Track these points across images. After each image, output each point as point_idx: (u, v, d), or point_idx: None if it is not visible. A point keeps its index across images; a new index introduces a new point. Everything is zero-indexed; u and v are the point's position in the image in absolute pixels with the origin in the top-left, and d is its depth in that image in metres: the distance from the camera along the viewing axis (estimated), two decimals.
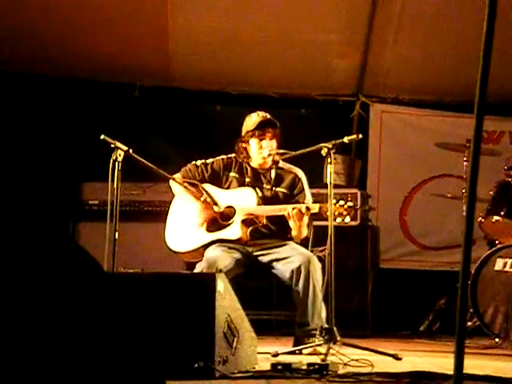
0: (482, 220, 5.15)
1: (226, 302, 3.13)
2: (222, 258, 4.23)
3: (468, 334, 5.07)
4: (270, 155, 4.44)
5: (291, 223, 4.25)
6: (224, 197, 4.45)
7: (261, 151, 4.45)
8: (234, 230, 4.36)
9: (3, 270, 1.75)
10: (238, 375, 3.03)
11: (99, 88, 6.51)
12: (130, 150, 4.08)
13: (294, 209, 4.21)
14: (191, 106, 6.66)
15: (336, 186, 4.60)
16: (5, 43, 6.01)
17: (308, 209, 4.21)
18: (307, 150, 4.20)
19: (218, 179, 4.53)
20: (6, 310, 1.72)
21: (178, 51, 6.35)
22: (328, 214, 3.95)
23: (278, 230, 4.37)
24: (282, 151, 4.43)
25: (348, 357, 3.45)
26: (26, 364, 1.70)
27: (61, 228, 1.91)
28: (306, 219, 4.23)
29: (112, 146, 4.04)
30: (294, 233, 4.30)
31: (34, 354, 1.72)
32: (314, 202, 4.42)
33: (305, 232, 4.34)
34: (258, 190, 4.44)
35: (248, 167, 4.53)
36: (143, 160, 4.18)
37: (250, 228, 4.38)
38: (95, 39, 6.16)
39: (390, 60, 6.50)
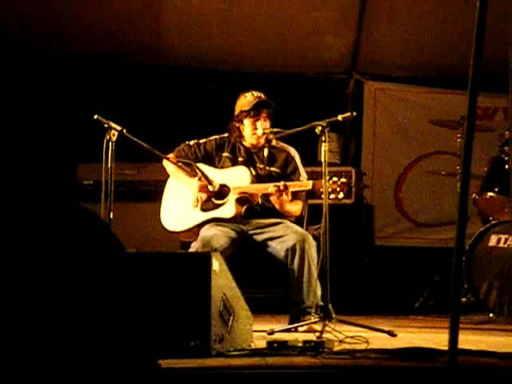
0: (476, 196, 5.17)
1: (222, 280, 3.13)
2: (216, 237, 4.23)
3: (462, 309, 5.10)
4: (263, 134, 4.43)
5: (272, 199, 4.26)
6: (218, 176, 4.45)
7: (255, 131, 4.44)
8: (229, 209, 4.36)
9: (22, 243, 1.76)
10: (234, 353, 3.04)
11: (92, 67, 6.47)
12: (124, 130, 4.07)
13: (274, 186, 4.22)
14: (185, 85, 6.63)
15: (330, 164, 4.59)
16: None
17: (286, 187, 4.20)
18: (301, 128, 4.19)
19: (210, 159, 4.53)
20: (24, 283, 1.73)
21: (172, 30, 6.32)
22: (322, 191, 3.96)
23: (272, 209, 4.37)
24: (275, 130, 4.42)
25: (343, 334, 3.47)
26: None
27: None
28: (285, 197, 4.22)
29: (106, 125, 4.02)
30: (277, 208, 4.30)
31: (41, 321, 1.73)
32: (309, 179, 4.42)
33: (289, 209, 4.33)
34: (251, 168, 4.44)
35: (241, 147, 4.52)
36: (137, 140, 4.17)
37: (245, 207, 4.38)
38: (88, 18, 6.12)
39: (383, 37, 6.48)
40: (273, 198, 4.26)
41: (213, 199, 4.42)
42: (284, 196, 4.22)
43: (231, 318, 3.14)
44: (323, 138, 4.00)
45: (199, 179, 4.44)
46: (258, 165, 4.48)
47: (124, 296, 1.83)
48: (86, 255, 1.82)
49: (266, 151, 4.51)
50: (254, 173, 4.43)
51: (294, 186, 4.26)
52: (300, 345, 3.12)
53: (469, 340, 3.49)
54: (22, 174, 5.56)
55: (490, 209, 5.19)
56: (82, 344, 1.75)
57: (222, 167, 4.50)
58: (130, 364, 1.81)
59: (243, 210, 4.38)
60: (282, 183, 4.23)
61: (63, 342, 1.74)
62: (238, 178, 4.41)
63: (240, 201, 4.38)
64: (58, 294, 1.76)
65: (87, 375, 1.75)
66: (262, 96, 4.49)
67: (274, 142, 4.54)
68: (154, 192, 5.41)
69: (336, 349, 3.13)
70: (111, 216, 3.96)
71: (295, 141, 4.60)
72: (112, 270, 1.83)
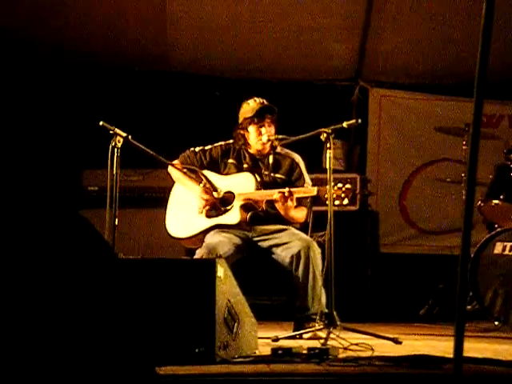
0: (482, 204, 5.16)
1: (226, 287, 3.13)
2: (221, 243, 4.23)
3: (467, 317, 5.09)
4: (269, 140, 4.43)
5: (277, 206, 4.27)
6: (223, 182, 4.45)
7: (260, 137, 4.44)
8: (234, 216, 4.36)
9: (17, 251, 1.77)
10: (239, 360, 3.04)
11: (97, 73, 6.48)
12: (129, 137, 4.07)
13: (279, 192, 4.23)
14: (190, 91, 6.64)
15: (335, 171, 4.59)
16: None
17: (291, 193, 4.21)
18: (306, 135, 4.19)
19: (216, 166, 4.53)
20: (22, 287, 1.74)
21: (177, 36, 6.33)
22: (327, 197, 3.96)
23: (277, 215, 4.37)
24: (281, 136, 4.43)
25: (348, 341, 3.47)
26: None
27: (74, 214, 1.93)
28: (290, 203, 4.23)
29: (111, 132, 4.03)
30: (282, 214, 4.31)
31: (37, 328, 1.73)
32: (314, 186, 4.42)
33: (294, 215, 4.33)
34: (256, 175, 4.44)
35: (246, 153, 4.53)
36: (142, 146, 4.18)
37: (250, 213, 4.38)
38: (94, 24, 6.13)
39: (388, 44, 6.48)
40: (278, 205, 4.27)
41: (218, 205, 4.43)
42: (289, 202, 4.22)
43: (236, 324, 3.13)
44: (328, 145, 4.00)
45: (204, 186, 4.44)
46: (262, 171, 4.48)
47: (112, 302, 1.83)
48: (76, 262, 1.82)
49: (270, 158, 4.52)
50: (258, 179, 4.43)
51: (298, 193, 4.27)
52: (305, 352, 3.12)
53: (474, 348, 3.48)
54: (25, 179, 5.57)
55: (495, 216, 5.18)
56: (74, 349, 1.75)
57: (227, 174, 4.51)
58: (124, 370, 1.81)
59: (248, 216, 4.38)
60: (286, 189, 4.23)
61: (55, 346, 1.74)
62: (242, 184, 4.41)
63: (245, 207, 4.38)
64: (47, 299, 1.76)
65: (80, 381, 1.75)
66: (265, 102, 4.50)
67: (278, 149, 4.54)
68: (159, 198, 5.42)
69: (341, 356, 3.13)
70: (116, 222, 3.96)
71: (299, 147, 4.60)
72: (101, 276, 1.83)
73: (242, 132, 4.50)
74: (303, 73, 6.75)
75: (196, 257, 4.20)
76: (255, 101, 4.50)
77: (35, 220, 1.84)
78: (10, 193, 1.88)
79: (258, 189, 4.39)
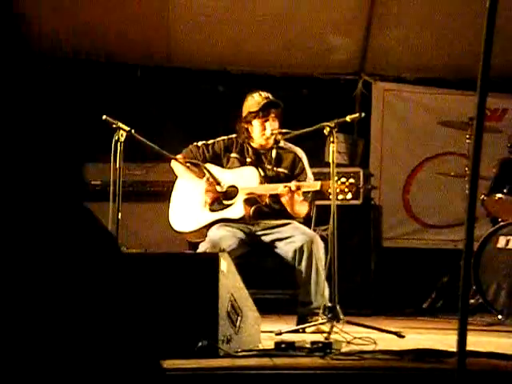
0: (485, 198, 5.15)
1: (230, 281, 3.14)
2: (225, 237, 4.23)
3: (471, 311, 5.09)
4: (272, 134, 4.43)
5: (282, 200, 4.26)
6: (226, 176, 4.45)
7: (264, 132, 4.44)
8: (237, 210, 4.36)
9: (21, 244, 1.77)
10: (242, 354, 3.05)
11: (101, 69, 6.48)
12: (132, 131, 4.08)
13: (285, 187, 4.22)
14: (193, 86, 6.64)
15: (338, 165, 4.59)
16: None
17: (298, 188, 4.20)
18: (309, 129, 4.19)
19: (219, 160, 4.53)
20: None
21: (179, 31, 6.32)
22: (330, 191, 3.96)
23: (280, 210, 4.37)
24: (284, 131, 4.42)
25: (351, 335, 3.47)
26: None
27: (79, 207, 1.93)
28: (297, 197, 4.23)
29: (114, 126, 4.03)
30: (288, 209, 4.30)
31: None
32: (316, 180, 4.42)
33: (299, 210, 4.33)
34: (260, 169, 4.44)
35: (249, 147, 4.52)
36: (145, 140, 4.18)
37: (253, 207, 4.38)
38: (97, 20, 6.13)
39: (392, 38, 6.47)
40: (283, 199, 4.26)
41: (221, 200, 4.43)
42: (296, 196, 4.21)
43: (239, 318, 3.14)
44: (331, 139, 4.00)
45: (207, 180, 4.44)
46: (265, 165, 4.48)
47: (115, 295, 1.83)
48: (79, 253, 1.82)
49: (273, 152, 4.51)
50: (262, 173, 4.43)
51: (302, 187, 4.26)
52: (308, 346, 3.12)
53: (477, 342, 3.48)
54: (28, 173, 5.57)
55: (499, 210, 5.17)
56: (76, 342, 1.75)
57: (230, 168, 4.50)
58: (127, 363, 1.81)
59: (251, 210, 4.38)
60: (293, 183, 4.22)
61: (56, 339, 1.74)
62: (246, 178, 4.41)
63: (248, 201, 4.38)
64: (48, 291, 1.76)
65: (85, 376, 1.75)
66: (270, 96, 4.48)
67: (281, 143, 4.53)
68: (162, 192, 5.42)
69: (344, 350, 3.13)
70: (119, 216, 3.97)
71: (301, 142, 4.60)
72: (104, 269, 1.83)
73: (245, 126, 4.49)
74: (306, 67, 6.74)
75: (199, 251, 4.20)
76: (260, 95, 4.48)
77: (38, 212, 1.84)
78: (13, 186, 1.88)
79: (261, 183, 4.39)
